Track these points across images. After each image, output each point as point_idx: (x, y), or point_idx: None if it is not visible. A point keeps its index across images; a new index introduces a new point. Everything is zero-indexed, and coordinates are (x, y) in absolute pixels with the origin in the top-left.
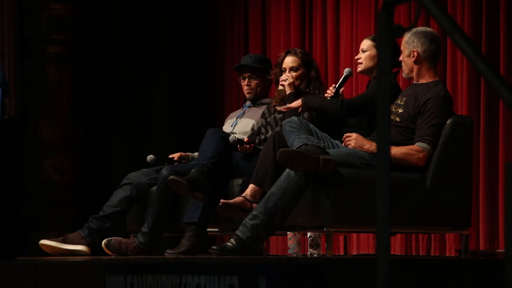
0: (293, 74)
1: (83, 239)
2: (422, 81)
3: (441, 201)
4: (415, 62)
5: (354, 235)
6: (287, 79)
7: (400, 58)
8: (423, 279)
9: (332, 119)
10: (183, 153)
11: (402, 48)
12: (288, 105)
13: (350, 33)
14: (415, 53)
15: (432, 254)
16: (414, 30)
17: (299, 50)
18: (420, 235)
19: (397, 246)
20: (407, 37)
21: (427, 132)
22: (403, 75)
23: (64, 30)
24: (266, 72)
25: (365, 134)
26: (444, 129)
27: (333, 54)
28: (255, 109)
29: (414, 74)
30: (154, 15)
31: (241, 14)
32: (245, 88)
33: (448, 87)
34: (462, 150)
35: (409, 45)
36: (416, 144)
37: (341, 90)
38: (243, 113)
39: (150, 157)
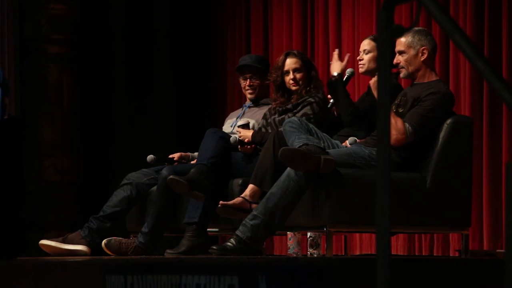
0: (297, 75)
1: (83, 239)
2: (425, 80)
3: (441, 201)
4: (424, 61)
5: (357, 235)
6: None
7: (403, 60)
8: (423, 279)
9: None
10: (183, 153)
11: (405, 49)
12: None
13: (352, 33)
14: (425, 51)
15: (435, 254)
16: (414, 30)
17: (296, 51)
18: (422, 235)
19: (399, 246)
20: (410, 37)
21: (415, 118)
22: (401, 75)
23: (64, 30)
24: (266, 72)
25: (364, 135)
26: (444, 129)
27: None
28: (255, 109)
29: (419, 73)
30: (154, 15)
31: (242, 15)
32: (246, 88)
33: (451, 88)
34: (462, 150)
35: (417, 45)
36: (404, 123)
37: None
38: (243, 113)
39: (150, 157)
